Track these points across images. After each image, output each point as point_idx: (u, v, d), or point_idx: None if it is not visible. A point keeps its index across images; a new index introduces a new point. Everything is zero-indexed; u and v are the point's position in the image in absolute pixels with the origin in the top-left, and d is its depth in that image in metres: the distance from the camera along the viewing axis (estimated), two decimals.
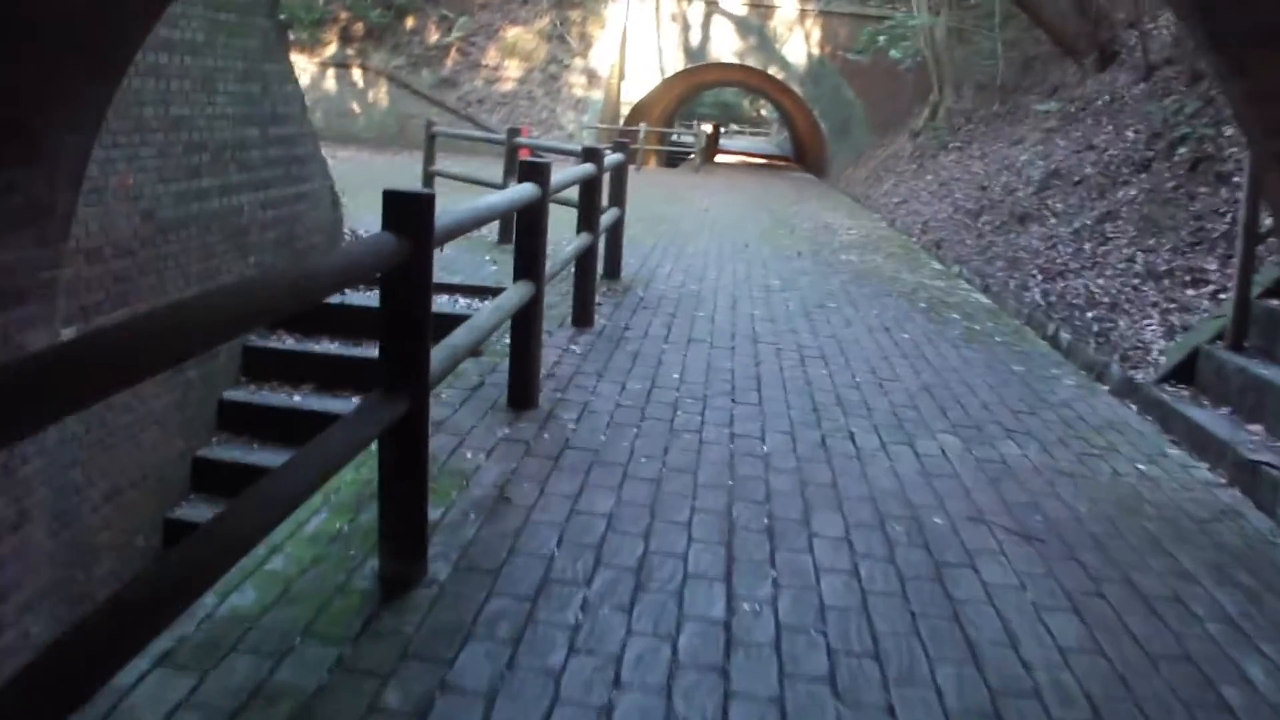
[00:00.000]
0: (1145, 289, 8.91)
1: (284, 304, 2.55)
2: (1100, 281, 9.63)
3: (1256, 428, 6.37)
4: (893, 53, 23.43)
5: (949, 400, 6.71)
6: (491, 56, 30.57)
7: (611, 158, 8.61)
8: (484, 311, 4.57)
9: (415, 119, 30.13)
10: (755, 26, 31.58)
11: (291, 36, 31.01)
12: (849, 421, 6.03)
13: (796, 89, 31.90)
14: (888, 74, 29.97)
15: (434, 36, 31.01)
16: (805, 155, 42.57)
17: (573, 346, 7.14)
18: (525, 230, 5.35)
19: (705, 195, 21.88)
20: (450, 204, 11.97)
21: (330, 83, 31.02)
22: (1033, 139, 16.04)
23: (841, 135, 31.61)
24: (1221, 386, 6.94)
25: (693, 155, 32.27)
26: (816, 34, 31.38)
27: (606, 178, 8.57)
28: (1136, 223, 10.19)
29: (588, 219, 7.41)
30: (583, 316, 7.66)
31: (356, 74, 30.87)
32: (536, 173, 5.27)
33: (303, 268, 2.71)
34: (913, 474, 5.22)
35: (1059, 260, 10.74)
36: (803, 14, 31.33)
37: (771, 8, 31.49)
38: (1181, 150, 10.44)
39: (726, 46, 31.76)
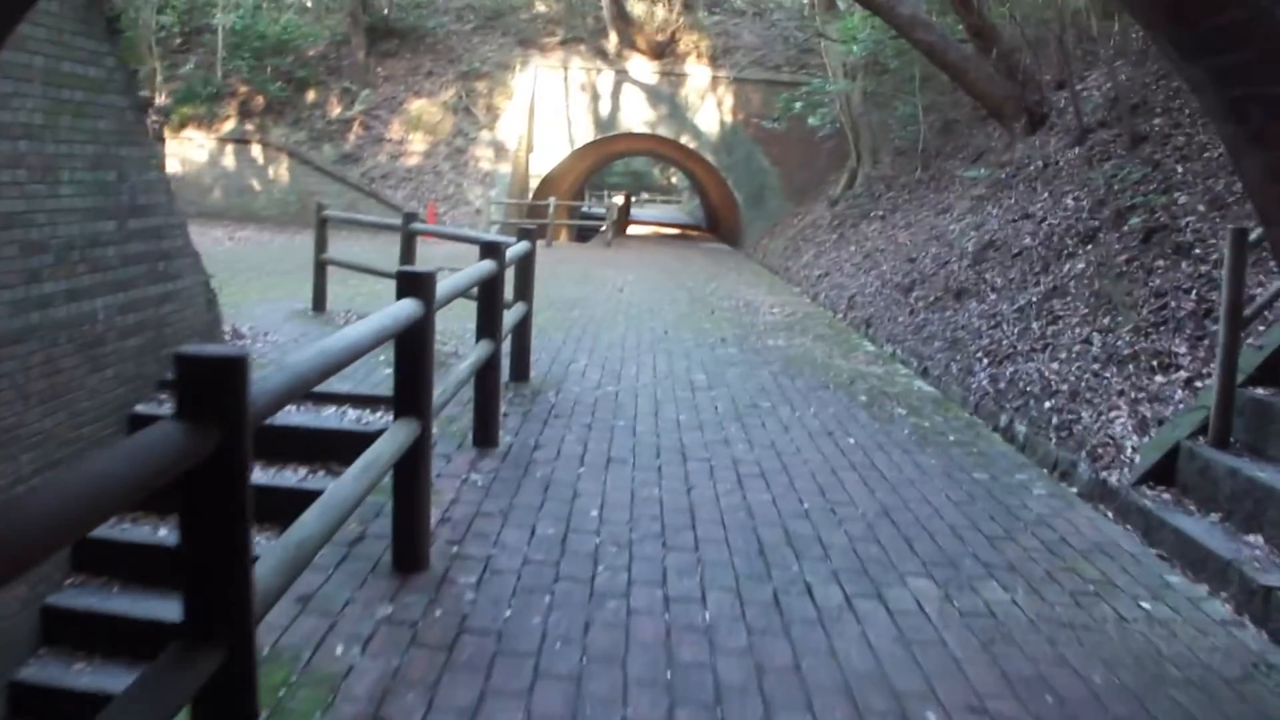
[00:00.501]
0: (1107, 375, 8.14)
1: None
2: (1055, 366, 8.87)
3: (1255, 539, 5.58)
4: (810, 120, 22.84)
5: (914, 528, 5.78)
6: (395, 130, 29.63)
7: (515, 248, 7.67)
8: (345, 479, 3.54)
9: (317, 196, 29.01)
10: (666, 95, 31.01)
11: (189, 111, 29.92)
12: (804, 567, 5.05)
13: (709, 157, 31.33)
14: (802, 141, 29.57)
15: (336, 110, 30.02)
16: (719, 224, 42.10)
17: (473, 475, 6.10)
18: (406, 357, 4.34)
19: (619, 272, 20.99)
20: (342, 295, 10.76)
21: (229, 159, 29.89)
22: (961, 207, 15.43)
23: (756, 204, 31.07)
24: (1208, 489, 6.15)
25: (604, 228, 31.41)
26: (729, 101, 30.89)
27: (511, 271, 7.64)
28: (1088, 299, 9.48)
29: (489, 324, 6.42)
30: (485, 435, 6.61)
31: (256, 150, 29.75)
32: (417, 285, 4.27)
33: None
34: (889, 643, 4.26)
35: (1005, 341, 9.99)
36: (714, 81, 30.84)
37: (683, 75, 30.97)
38: (1133, 220, 9.76)
39: (637, 116, 31.14)
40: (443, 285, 4.62)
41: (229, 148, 29.87)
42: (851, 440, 7.69)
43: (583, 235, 37.48)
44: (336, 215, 12.03)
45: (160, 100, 30.20)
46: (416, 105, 29.95)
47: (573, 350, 10.82)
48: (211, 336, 9.91)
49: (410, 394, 4.41)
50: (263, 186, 29.67)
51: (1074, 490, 6.88)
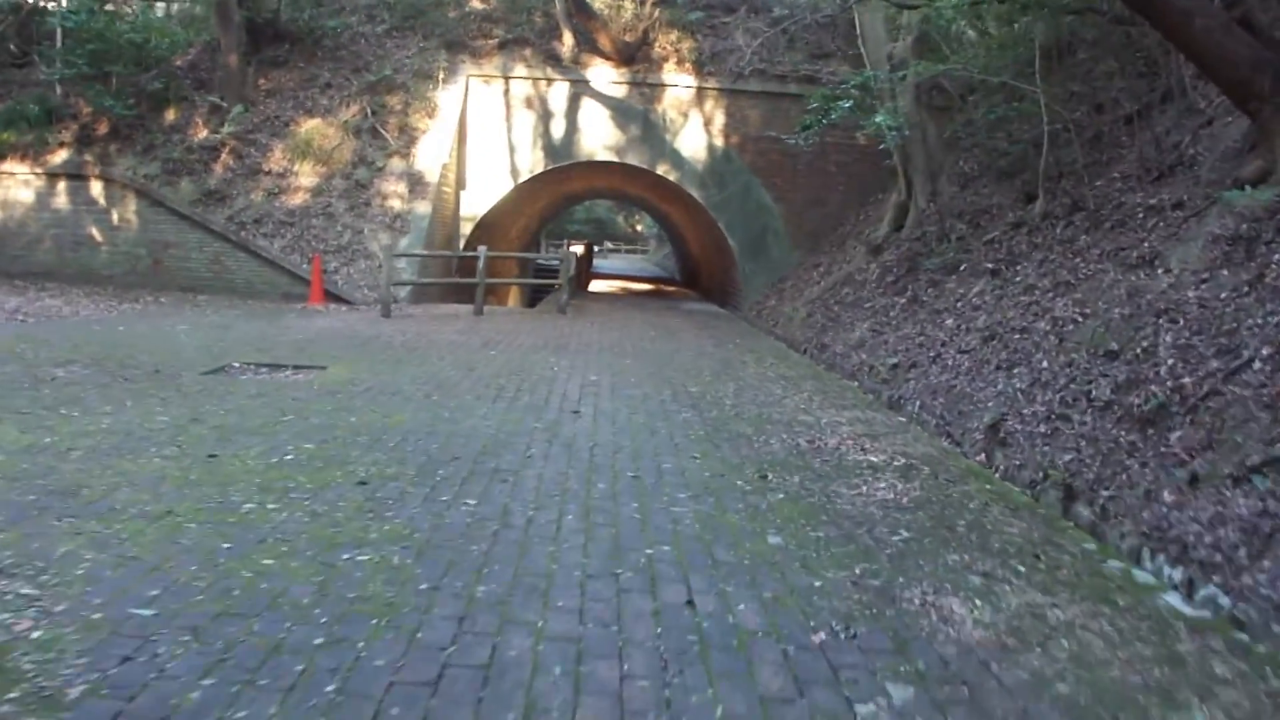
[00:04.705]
0: None
1: None
2: None
3: None
4: (876, 119, 14.44)
5: None
6: (277, 159, 22.10)
7: None
8: None
9: (173, 248, 21.66)
10: (638, 112, 23.60)
11: (11, 139, 22.42)
12: None
13: (694, 193, 23.81)
14: (812, 169, 22.55)
15: (200, 133, 22.53)
16: (699, 278, 34.87)
17: None
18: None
19: (576, 362, 13.38)
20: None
21: (61, 199, 22.31)
22: (1186, 257, 8.23)
23: (757, 252, 23.74)
24: None
25: (558, 285, 23.37)
26: (719, 120, 23.45)
27: None
28: None
29: None
30: None
31: (96, 187, 22.18)
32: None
33: None
34: None
35: None
36: (700, 94, 23.45)
37: (659, 87, 23.57)
38: None
39: (600, 139, 23.64)
40: None
41: (61, 185, 22.34)
42: None
43: (534, 297, 30.04)
44: None
45: None
46: (307, 126, 22.48)
47: None
48: None
49: None
50: (104, 236, 22.15)
51: None
